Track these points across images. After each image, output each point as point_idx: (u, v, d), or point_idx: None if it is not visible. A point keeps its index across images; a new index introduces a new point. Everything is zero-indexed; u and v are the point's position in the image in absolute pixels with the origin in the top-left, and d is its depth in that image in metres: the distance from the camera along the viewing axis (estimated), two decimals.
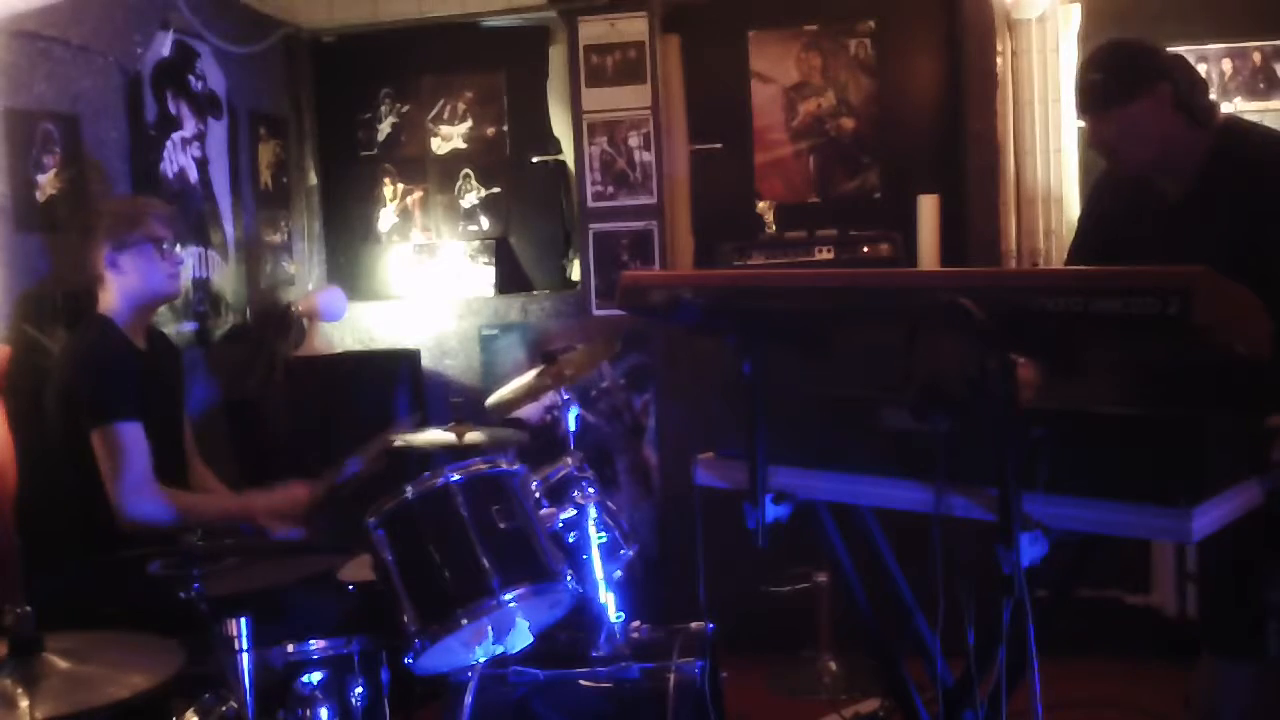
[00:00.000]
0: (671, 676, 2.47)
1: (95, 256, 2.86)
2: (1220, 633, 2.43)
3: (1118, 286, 1.56)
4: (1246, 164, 2.37)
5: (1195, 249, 2.30)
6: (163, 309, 3.27)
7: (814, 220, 4.31)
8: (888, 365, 1.78)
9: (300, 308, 4.39)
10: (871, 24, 4.37)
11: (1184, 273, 1.51)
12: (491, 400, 3.26)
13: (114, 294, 2.88)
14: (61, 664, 1.78)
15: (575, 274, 4.54)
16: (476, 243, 4.67)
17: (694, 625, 2.64)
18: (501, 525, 2.41)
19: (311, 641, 2.35)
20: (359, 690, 2.39)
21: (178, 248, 2.96)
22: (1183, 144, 2.38)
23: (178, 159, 3.77)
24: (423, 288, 4.69)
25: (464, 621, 2.31)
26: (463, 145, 4.70)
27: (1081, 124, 2.53)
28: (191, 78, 3.86)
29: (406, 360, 4.42)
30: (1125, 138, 2.38)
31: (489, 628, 2.37)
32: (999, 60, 4.09)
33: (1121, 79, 2.36)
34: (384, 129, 4.73)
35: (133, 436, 2.72)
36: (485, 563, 2.35)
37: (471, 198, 4.70)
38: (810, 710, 3.66)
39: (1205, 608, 2.46)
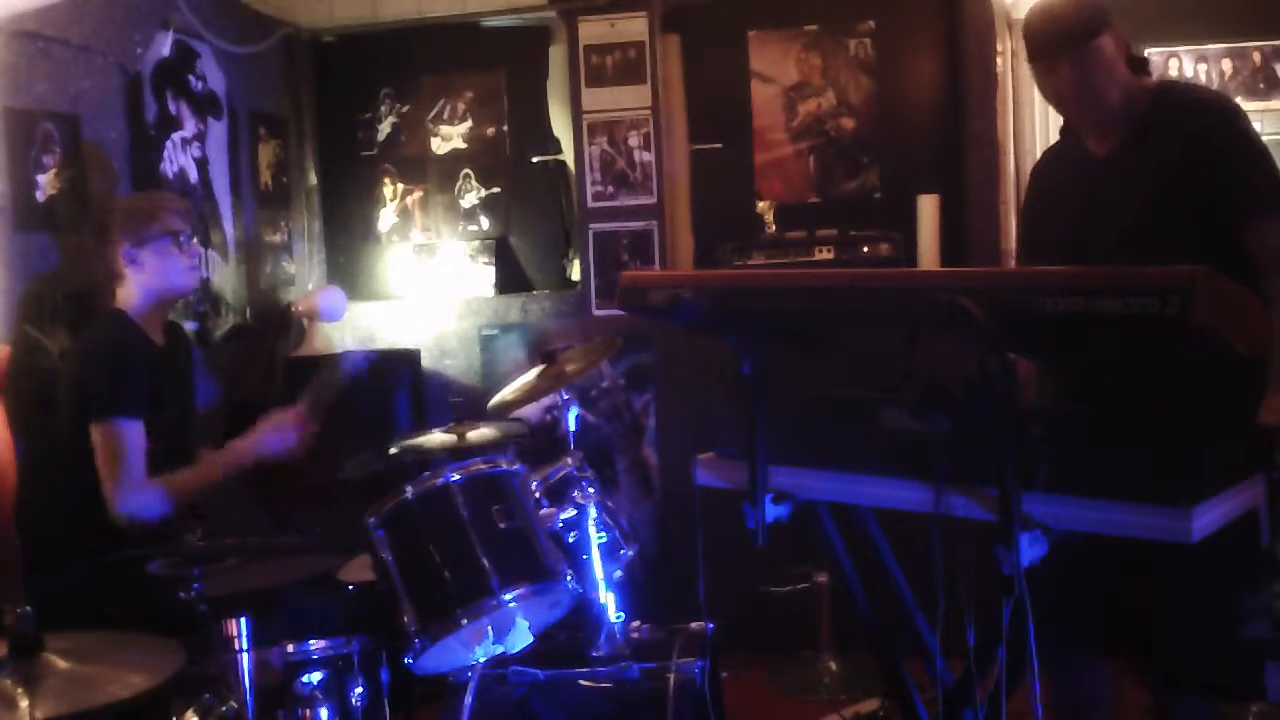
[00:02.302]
0: (671, 676, 2.47)
1: (113, 254, 2.86)
2: (1215, 674, 2.33)
3: (1118, 286, 1.56)
4: (1182, 108, 2.39)
5: (1123, 196, 2.37)
6: None
7: (814, 220, 4.31)
8: (888, 365, 1.78)
9: (300, 308, 4.39)
10: (871, 24, 4.37)
11: (1184, 273, 1.51)
12: (493, 402, 3.26)
13: (133, 290, 2.88)
14: (61, 664, 1.78)
15: (575, 274, 4.54)
16: (476, 243, 4.67)
17: (694, 625, 2.64)
18: (501, 525, 2.41)
19: (311, 641, 2.35)
20: (359, 690, 2.39)
21: (194, 241, 2.96)
22: (1130, 93, 2.39)
23: (178, 159, 3.77)
24: (423, 288, 4.69)
25: (464, 621, 2.31)
26: (463, 145, 4.70)
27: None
28: (191, 78, 3.86)
29: (406, 360, 4.42)
30: (1090, 79, 2.35)
31: (489, 628, 2.38)
32: (999, 60, 4.09)
33: (1083, 18, 2.35)
34: (384, 129, 4.73)
35: (134, 434, 2.72)
36: (485, 563, 2.35)
37: (471, 198, 4.70)
38: (810, 710, 3.66)
39: (1183, 649, 2.32)
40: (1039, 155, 4.01)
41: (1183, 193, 2.30)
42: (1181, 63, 4.02)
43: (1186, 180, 2.30)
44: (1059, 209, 2.53)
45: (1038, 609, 1.72)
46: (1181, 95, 2.46)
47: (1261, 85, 4.00)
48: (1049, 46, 2.38)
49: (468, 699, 2.46)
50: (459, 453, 2.96)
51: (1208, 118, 2.38)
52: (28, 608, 1.78)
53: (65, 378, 2.82)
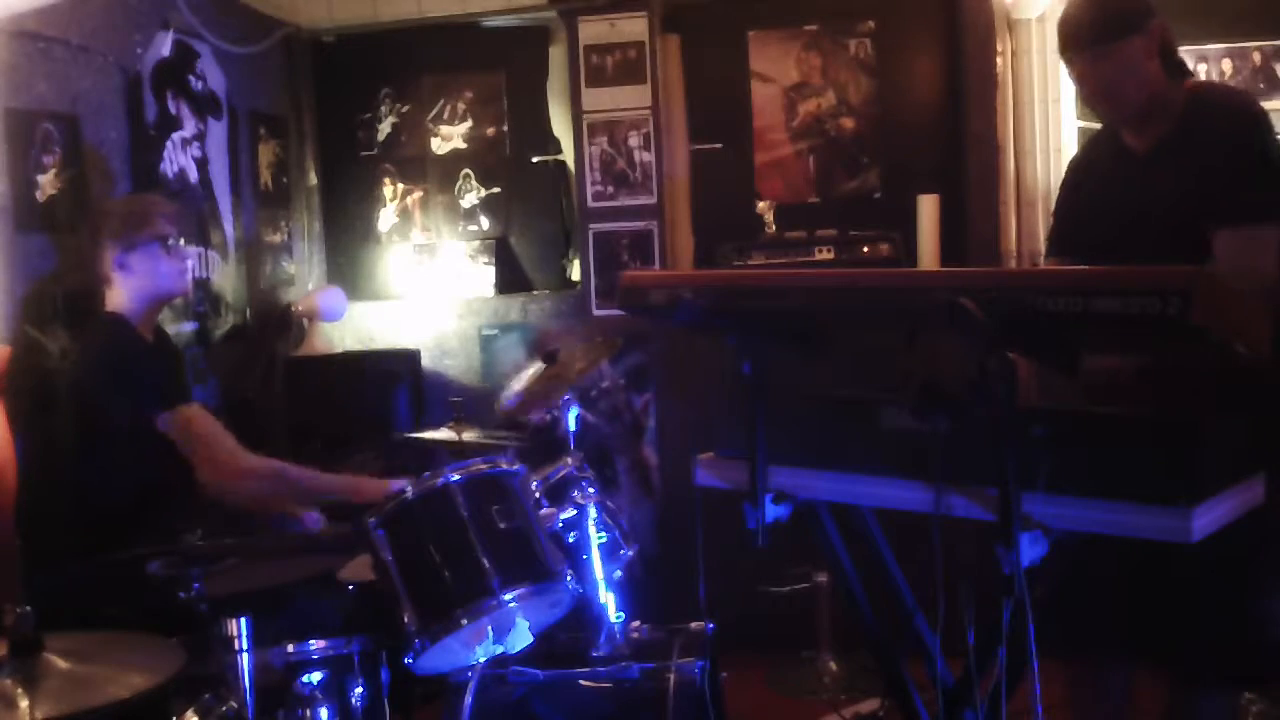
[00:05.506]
0: (671, 676, 2.47)
1: (102, 258, 2.87)
2: (1239, 666, 2.37)
3: (1118, 286, 1.56)
4: (1219, 110, 2.44)
5: (1162, 192, 2.40)
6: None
7: (814, 220, 4.31)
8: (888, 365, 1.78)
9: (300, 308, 4.39)
10: (871, 24, 4.37)
11: (1184, 273, 1.51)
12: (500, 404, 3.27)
13: (124, 294, 2.88)
14: (61, 664, 1.78)
15: (575, 274, 4.54)
16: (476, 243, 4.67)
17: (694, 625, 2.64)
18: (501, 525, 2.41)
19: (311, 641, 2.35)
20: (359, 690, 2.38)
21: (183, 243, 2.97)
22: (1163, 92, 2.43)
23: (178, 159, 3.76)
24: (423, 288, 4.69)
25: (464, 621, 2.30)
26: (463, 145, 4.70)
27: (1067, 72, 2.55)
28: (191, 78, 3.86)
29: (406, 360, 4.42)
30: (1121, 76, 2.40)
31: (489, 628, 2.37)
32: (999, 60, 4.09)
33: (1122, 13, 2.40)
34: (384, 129, 4.73)
35: (203, 412, 2.81)
36: (485, 563, 2.35)
37: (471, 198, 4.70)
38: (810, 710, 3.66)
39: (1206, 645, 2.35)
40: (1039, 155, 4.09)
41: (1222, 194, 2.34)
42: None
43: (1225, 183, 2.34)
44: (1095, 203, 2.57)
45: (1049, 607, 1.72)
46: (1218, 99, 2.50)
47: (1261, 85, 4.00)
48: (1076, 41, 2.45)
49: (468, 699, 2.45)
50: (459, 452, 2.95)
51: (1244, 125, 2.41)
52: (28, 608, 1.78)
53: (70, 383, 2.81)
